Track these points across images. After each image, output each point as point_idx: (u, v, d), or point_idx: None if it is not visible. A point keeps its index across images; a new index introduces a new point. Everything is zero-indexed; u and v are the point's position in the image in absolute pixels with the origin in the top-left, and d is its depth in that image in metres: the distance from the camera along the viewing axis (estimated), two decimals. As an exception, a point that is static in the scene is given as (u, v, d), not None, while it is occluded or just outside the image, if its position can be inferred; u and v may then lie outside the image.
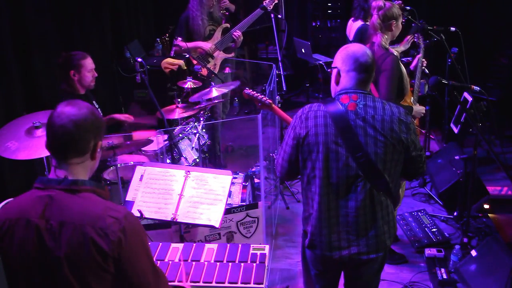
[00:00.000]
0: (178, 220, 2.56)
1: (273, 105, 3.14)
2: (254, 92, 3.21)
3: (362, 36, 3.80)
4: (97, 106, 3.75)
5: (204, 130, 4.29)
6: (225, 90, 4.23)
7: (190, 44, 4.69)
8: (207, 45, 4.78)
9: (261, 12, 4.80)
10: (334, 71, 2.27)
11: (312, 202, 2.24)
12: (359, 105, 2.16)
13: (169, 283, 2.19)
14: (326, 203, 2.19)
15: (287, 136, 2.29)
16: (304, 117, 2.21)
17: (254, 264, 2.31)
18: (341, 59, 2.25)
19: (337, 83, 2.27)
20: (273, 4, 4.88)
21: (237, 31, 4.86)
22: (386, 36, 3.24)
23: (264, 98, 3.16)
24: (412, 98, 3.50)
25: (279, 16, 4.99)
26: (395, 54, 3.21)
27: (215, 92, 4.14)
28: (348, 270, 2.38)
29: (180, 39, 4.67)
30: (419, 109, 3.44)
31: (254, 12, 4.88)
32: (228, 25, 4.97)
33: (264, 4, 4.78)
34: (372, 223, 2.18)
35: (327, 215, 2.19)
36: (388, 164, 2.15)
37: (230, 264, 2.32)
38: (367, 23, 3.99)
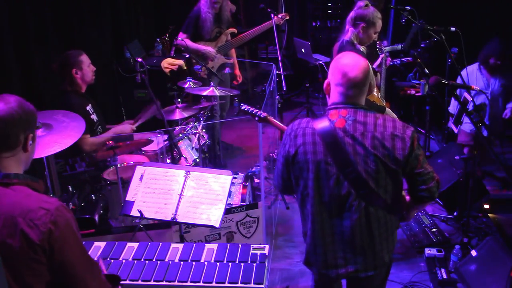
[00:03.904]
0: (178, 220, 2.56)
1: (269, 117, 3.17)
2: (250, 107, 3.24)
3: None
4: (92, 111, 3.68)
5: (204, 130, 4.29)
6: (226, 93, 4.26)
7: (193, 45, 4.71)
8: (210, 50, 4.82)
9: (272, 24, 4.81)
10: (326, 82, 2.18)
11: (307, 221, 2.22)
12: (348, 121, 2.06)
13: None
14: (319, 222, 2.15)
15: (279, 153, 2.25)
16: (293, 135, 2.15)
17: (254, 264, 2.31)
18: (331, 70, 2.15)
19: (328, 95, 2.18)
20: (284, 19, 4.95)
21: (239, 73, 5.24)
22: (356, 33, 3.53)
23: (259, 112, 3.19)
24: (379, 93, 3.69)
25: (279, 16, 4.99)
26: (361, 50, 3.49)
27: (216, 92, 4.15)
28: (350, 282, 2.39)
29: (186, 35, 4.70)
30: (388, 112, 3.63)
31: (266, 22, 4.92)
32: (235, 30, 5.00)
33: (275, 19, 4.80)
34: (369, 241, 2.13)
35: (321, 234, 2.16)
36: (382, 182, 2.06)
37: (230, 264, 2.32)
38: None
